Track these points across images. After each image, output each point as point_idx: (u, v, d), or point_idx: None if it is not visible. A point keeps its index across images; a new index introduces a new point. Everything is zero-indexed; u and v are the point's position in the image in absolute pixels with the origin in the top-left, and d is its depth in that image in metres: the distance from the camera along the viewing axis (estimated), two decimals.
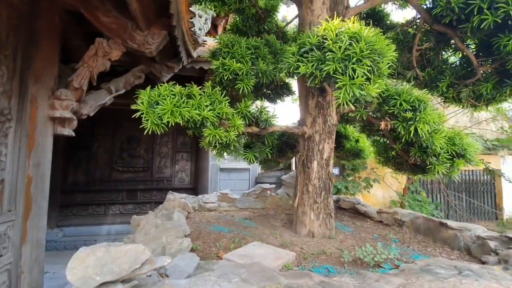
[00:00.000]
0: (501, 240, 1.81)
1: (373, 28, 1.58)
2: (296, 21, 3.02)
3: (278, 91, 3.16)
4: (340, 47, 1.45)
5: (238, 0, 2.49)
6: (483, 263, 1.56)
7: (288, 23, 3.11)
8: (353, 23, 1.56)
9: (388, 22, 2.91)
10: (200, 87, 2.06)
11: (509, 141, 6.18)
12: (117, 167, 5.73)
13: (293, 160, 5.32)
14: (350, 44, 1.46)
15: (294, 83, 3.18)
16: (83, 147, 5.42)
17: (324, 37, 1.55)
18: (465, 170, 7.69)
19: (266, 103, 3.10)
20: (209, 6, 2.53)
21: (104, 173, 5.64)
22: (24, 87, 2.02)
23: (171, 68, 3.32)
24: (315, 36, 1.60)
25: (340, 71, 1.47)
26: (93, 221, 5.52)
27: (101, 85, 2.61)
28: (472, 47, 2.10)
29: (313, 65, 1.57)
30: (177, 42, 2.66)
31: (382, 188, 6.48)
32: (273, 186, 4.07)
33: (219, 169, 6.38)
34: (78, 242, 4.87)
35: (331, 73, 1.50)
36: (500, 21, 1.64)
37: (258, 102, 2.91)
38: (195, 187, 6.03)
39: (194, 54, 3.48)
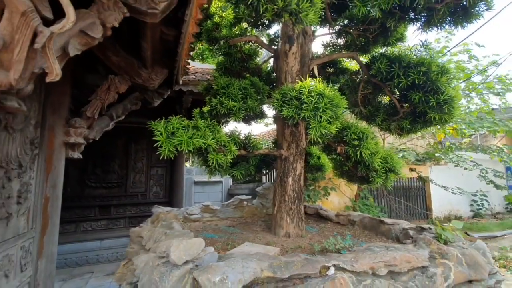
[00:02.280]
0: (416, 229, 2.64)
1: (332, 84, 2.31)
2: (267, 55, 3.73)
3: (255, 117, 3.80)
4: (311, 101, 2.14)
5: (227, 47, 3.10)
6: (404, 244, 2.34)
7: (264, 61, 3.79)
8: (319, 82, 2.28)
9: (340, 66, 3.79)
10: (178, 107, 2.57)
11: (432, 154, 7.68)
12: (90, 183, 5.72)
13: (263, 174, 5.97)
14: (318, 99, 2.16)
15: (267, 111, 3.85)
16: None
17: (300, 91, 2.23)
18: (403, 178, 9.21)
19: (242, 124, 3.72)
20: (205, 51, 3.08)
21: (75, 189, 5.59)
22: (44, 117, 2.31)
23: (161, 94, 3.73)
24: (294, 90, 2.28)
25: (312, 117, 2.15)
26: (63, 239, 5.39)
27: (104, 112, 2.94)
28: (397, 94, 2.99)
29: (293, 110, 2.23)
30: (174, 77, 3.13)
31: (338, 195, 7.48)
32: (249, 197, 4.62)
33: (193, 182, 6.72)
34: None
35: (306, 117, 2.17)
36: (409, 84, 2.51)
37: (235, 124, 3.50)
38: (170, 200, 6.27)
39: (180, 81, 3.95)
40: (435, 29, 2.55)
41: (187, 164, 7.53)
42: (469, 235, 7.52)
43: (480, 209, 10.42)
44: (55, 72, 1.23)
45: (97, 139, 2.81)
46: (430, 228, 2.55)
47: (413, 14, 2.49)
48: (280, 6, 1.69)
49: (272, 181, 7.18)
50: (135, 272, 1.76)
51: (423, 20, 2.52)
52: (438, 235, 2.21)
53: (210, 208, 4.26)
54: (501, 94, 5.92)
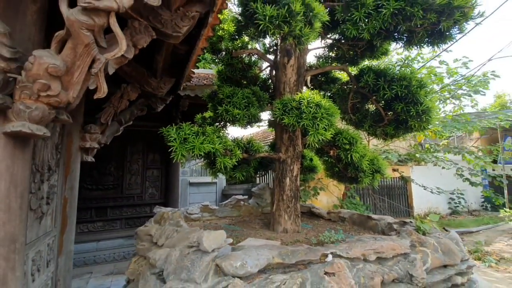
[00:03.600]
0: (399, 223, 3.00)
1: (323, 92, 2.61)
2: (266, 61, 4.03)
3: (254, 122, 4.07)
4: (310, 111, 2.43)
5: (230, 59, 3.36)
6: (389, 235, 2.68)
7: (262, 70, 4.07)
8: (317, 94, 2.58)
9: (331, 75, 4.13)
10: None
11: (413, 155, 8.22)
12: (86, 185, 5.78)
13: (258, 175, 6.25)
14: (316, 109, 2.45)
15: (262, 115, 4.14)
16: None
17: (300, 102, 2.52)
18: (386, 178, 9.76)
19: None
20: (203, 64, 3.33)
21: None
22: (64, 125, 2.48)
23: (164, 100, 3.93)
24: (294, 100, 2.57)
25: (310, 125, 2.44)
26: None
27: (114, 118, 3.12)
28: (382, 103, 3.34)
29: (293, 119, 2.52)
30: (179, 86, 3.35)
31: (327, 195, 7.87)
32: (246, 197, 4.88)
33: (188, 183, 6.89)
34: None
35: (305, 125, 2.46)
36: (393, 95, 2.86)
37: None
38: (166, 201, 6.41)
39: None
40: (415, 47, 2.92)
41: (182, 166, 7.68)
42: (446, 230, 8.12)
43: (458, 206, 11.16)
44: (103, 90, 1.46)
45: (108, 143, 2.98)
46: (411, 222, 2.91)
47: (396, 34, 2.84)
48: (286, 31, 1.97)
49: (265, 182, 7.46)
50: (156, 264, 1.98)
51: (405, 40, 2.88)
52: (418, 227, 2.56)
53: (209, 208, 4.48)
54: (471, 95, 6.50)
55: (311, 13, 2.01)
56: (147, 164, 6.51)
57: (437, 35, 2.61)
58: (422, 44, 2.83)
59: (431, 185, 7.99)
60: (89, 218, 5.81)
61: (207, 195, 7.17)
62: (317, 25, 2.12)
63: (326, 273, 1.76)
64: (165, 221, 3.24)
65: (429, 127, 2.96)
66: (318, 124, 2.43)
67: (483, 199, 11.89)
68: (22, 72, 1.27)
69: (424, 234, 2.53)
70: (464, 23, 2.45)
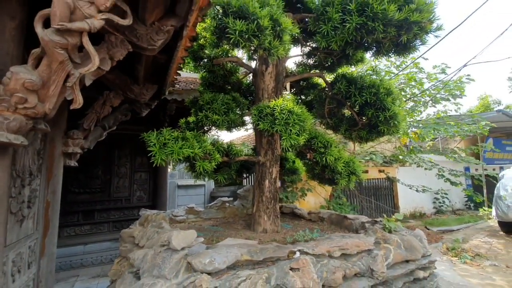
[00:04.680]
0: (371, 222, 3.18)
1: (304, 97, 2.76)
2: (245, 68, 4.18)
3: (236, 126, 4.21)
4: (283, 117, 2.58)
5: (211, 66, 3.49)
6: (358, 234, 2.85)
7: (244, 76, 4.22)
8: (289, 101, 2.73)
9: (311, 81, 4.31)
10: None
11: (397, 157, 8.49)
12: (73, 188, 5.81)
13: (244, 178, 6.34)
14: (288, 115, 2.61)
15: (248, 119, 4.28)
16: None
17: (274, 109, 2.67)
18: (373, 179, 10.02)
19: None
20: (191, 68, 3.46)
21: None
22: None
23: (149, 105, 4.03)
24: (268, 107, 2.72)
25: (283, 130, 2.60)
26: None
27: (97, 123, 3.21)
28: (356, 109, 3.53)
29: (268, 124, 2.67)
30: (163, 91, 3.47)
31: (314, 196, 8.04)
32: (231, 199, 5.00)
33: (176, 186, 6.98)
34: None
35: (278, 130, 2.62)
36: (364, 102, 3.05)
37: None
38: (154, 204, 6.49)
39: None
40: (384, 57, 3.12)
41: (170, 169, 7.76)
42: (428, 229, 8.39)
43: (442, 206, 11.49)
44: (78, 102, 1.57)
45: (91, 148, 3.08)
46: (381, 221, 3.08)
47: (366, 44, 3.03)
48: (256, 44, 2.12)
49: (252, 184, 7.60)
50: (134, 263, 2.09)
51: (374, 49, 3.07)
52: (384, 226, 2.74)
53: (194, 210, 4.59)
54: (450, 99, 6.80)
55: (279, 28, 2.16)
56: (135, 167, 6.57)
57: (402, 46, 2.81)
58: (390, 54, 3.03)
59: (417, 185, 8.26)
60: (76, 221, 5.84)
61: (195, 197, 7.27)
62: (286, 38, 2.27)
63: (291, 268, 1.90)
64: (148, 223, 3.34)
65: (398, 131, 3.15)
66: (290, 130, 2.58)
67: (466, 199, 12.27)
68: (0, 86, 1.38)
69: (390, 232, 2.71)
70: (425, 36, 2.65)
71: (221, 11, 2.28)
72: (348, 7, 2.38)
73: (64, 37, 1.32)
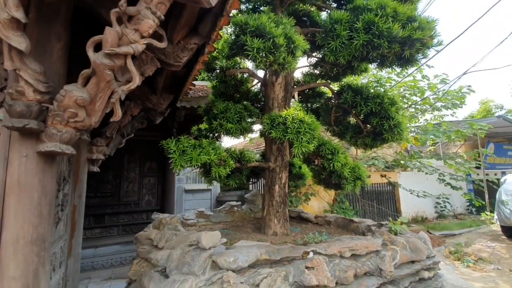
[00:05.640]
0: (377, 225, 3.33)
1: (310, 105, 2.94)
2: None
3: (246, 133, 4.40)
4: (294, 126, 2.77)
5: (224, 77, 3.70)
6: (366, 236, 3.00)
7: (254, 85, 4.42)
8: (300, 111, 2.92)
9: (317, 90, 4.50)
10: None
11: (399, 162, 8.65)
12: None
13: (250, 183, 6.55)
14: (299, 124, 2.79)
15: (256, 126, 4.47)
16: None
17: (286, 118, 2.86)
18: (375, 183, 10.16)
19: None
20: (199, 77, 3.67)
21: None
22: None
23: (162, 113, 4.22)
24: (281, 117, 2.90)
25: (295, 138, 2.78)
26: None
27: (118, 131, 3.40)
28: (361, 117, 3.71)
29: (280, 133, 2.85)
30: (178, 100, 3.67)
31: (317, 200, 8.18)
32: (239, 203, 5.16)
33: (184, 190, 7.13)
34: None
35: (290, 138, 2.80)
36: (369, 111, 3.23)
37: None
38: (162, 208, 6.63)
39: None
40: (388, 68, 3.31)
41: (177, 173, 7.93)
42: (430, 233, 8.51)
43: (443, 210, 11.59)
44: (118, 115, 1.76)
45: (112, 155, 3.25)
46: (386, 224, 3.24)
47: (370, 57, 3.22)
48: (271, 60, 2.31)
49: (257, 188, 7.75)
50: (159, 263, 2.26)
51: (378, 62, 3.26)
52: (390, 228, 2.90)
53: (204, 213, 4.75)
54: (450, 107, 6.99)
55: (292, 45, 2.36)
56: (144, 172, 6.74)
57: (405, 60, 3.00)
58: (393, 66, 3.22)
59: (418, 190, 8.39)
60: (87, 225, 5.97)
61: (202, 201, 7.41)
62: (299, 54, 2.47)
63: (306, 267, 2.06)
64: (163, 226, 3.50)
65: (402, 138, 3.32)
66: (301, 138, 2.76)
67: (468, 203, 12.38)
68: (54, 102, 1.57)
69: (396, 234, 2.87)
70: (426, 50, 2.84)
71: (238, 29, 2.49)
72: (355, 25, 2.58)
73: (112, 60, 1.51)
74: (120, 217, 6.36)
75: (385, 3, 2.52)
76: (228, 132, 3.24)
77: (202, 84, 7.07)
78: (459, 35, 4.80)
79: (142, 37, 1.57)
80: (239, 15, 2.51)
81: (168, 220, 3.64)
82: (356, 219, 3.77)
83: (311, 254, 2.25)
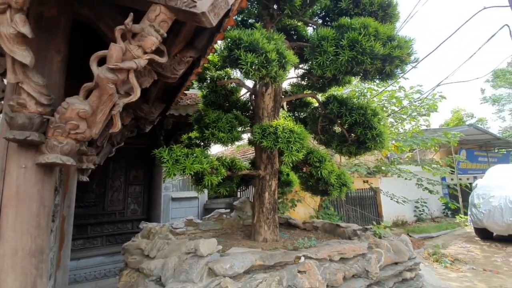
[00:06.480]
0: (362, 230, 3.50)
1: (298, 114, 3.09)
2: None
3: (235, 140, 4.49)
4: (285, 136, 2.90)
5: (214, 87, 3.79)
6: (352, 240, 3.16)
7: (243, 95, 4.54)
8: (289, 120, 3.07)
9: (305, 100, 4.70)
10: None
11: (380, 168, 9.03)
12: None
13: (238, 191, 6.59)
14: (290, 134, 2.93)
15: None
16: None
17: (276, 128, 2.99)
18: (358, 189, 10.51)
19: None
20: (196, 88, 3.75)
21: None
22: None
23: (152, 122, 4.23)
24: (271, 126, 3.03)
25: (285, 147, 2.90)
26: None
27: (108, 140, 3.37)
28: (346, 127, 3.91)
29: (271, 142, 2.97)
30: (168, 109, 3.70)
31: (303, 206, 8.34)
32: (228, 210, 5.19)
33: (171, 198, 7.05)
34: None
35: (281, 147, 2.92)
36: (353, 121, 3.43)
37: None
38: (148, 217, 6.51)
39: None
40: (370, 81, 3.55)
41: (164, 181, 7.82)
42: (410, 236, 8.89)
43: (422, 214, 12.14)
44: (117, 126, 1.80)
45: (101, 164, 3.22)
46: (371, 228, 3.42)
47: (354, 71, 3.44)
48: (264, 74, 2.45)
49: (246, 196, 7.81)
50: (153, 272, 2.27)
51: (361, 75, 3.49)
52: (375, 232, 3.07)
53: (193, 222, 4.74)
54: (424, 114, 7.51)
55: (283, 60, 2.51)
56: (130, 180, 6.60)
57: (385, 74, 3.24)
58: (375, 79, 3.46)
59: (398, 195, 8.76)
60: None
61: (189, 209, 7.35)
62: (289, 67, 2.62)
63: (299, 271, 2.16)
64: (153, 235, 3.49)
65: (384, 147, 3.55)
66: (291, 147, 2.90)
67: (444, 207, 13.04)
68: (55, 114, 1.59)
69: (380, 237, 3.04)
70: (404, 66, 3.09)
71: (231, 43, 2.61)
72: (341, 42, 2.78)
73: (116, 74, 1.57)
74: (104, 227, 6.17)
75: (368, 23, 2.74)
76: (220, 141, 3.32)
77: (190, 92, 7.11)
78: (430, 53, 5.26)
79: (145, 52, 1.65)
80: (232, 29, 2.63)
81: (158, 229, 3.62)
82: (342, 224, 3.93)
83: (302, 258, 2.36)
